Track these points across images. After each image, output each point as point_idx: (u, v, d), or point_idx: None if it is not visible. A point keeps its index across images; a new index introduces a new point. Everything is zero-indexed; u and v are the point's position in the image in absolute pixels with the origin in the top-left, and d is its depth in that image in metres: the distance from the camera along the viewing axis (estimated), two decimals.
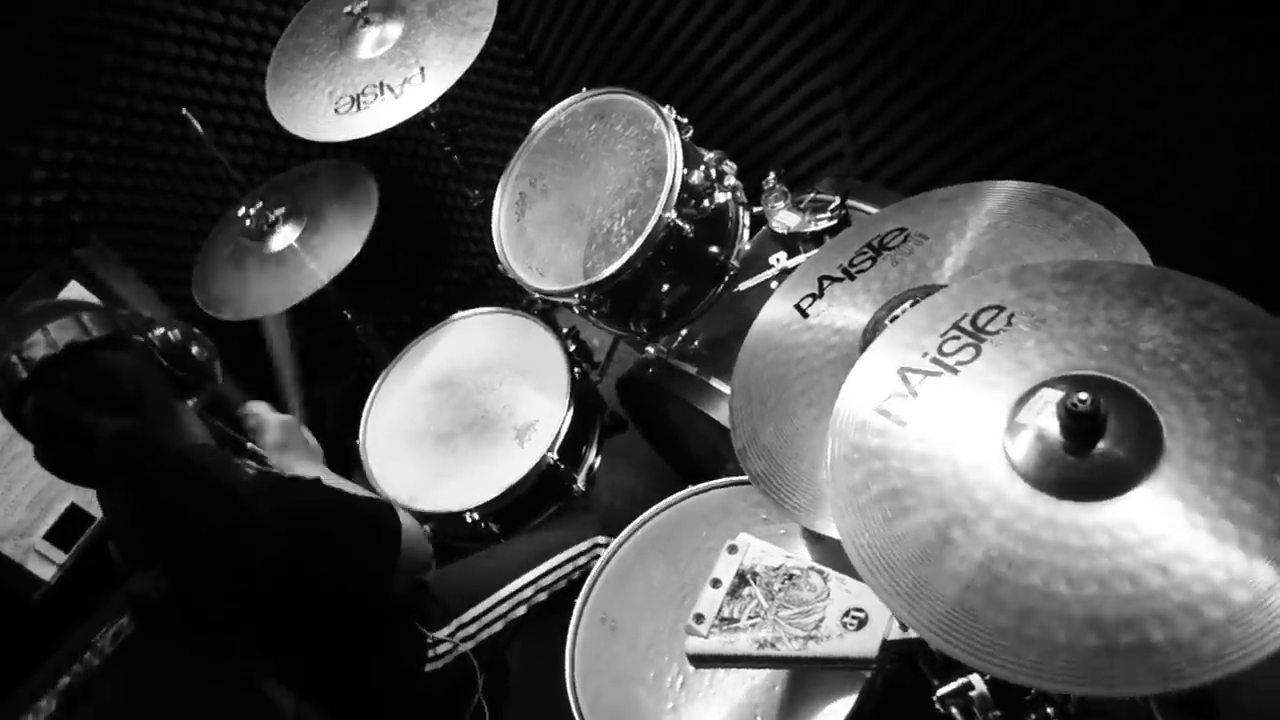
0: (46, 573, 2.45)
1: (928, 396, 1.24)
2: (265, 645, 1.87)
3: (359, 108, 2.22)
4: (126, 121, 2.62)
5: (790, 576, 1.62)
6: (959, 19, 2.17)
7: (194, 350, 1.65)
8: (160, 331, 1.61)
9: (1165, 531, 1.02)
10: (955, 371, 1.24)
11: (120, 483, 1.58)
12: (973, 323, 1.28)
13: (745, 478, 1.71)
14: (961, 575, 1.08)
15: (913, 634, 1.23)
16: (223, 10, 2.67)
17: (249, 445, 1.90)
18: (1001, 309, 1.28)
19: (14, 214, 2.50)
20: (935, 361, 1.26)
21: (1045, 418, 1.13)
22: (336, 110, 2.24)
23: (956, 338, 1.28)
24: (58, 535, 2.46)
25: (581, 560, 2.14)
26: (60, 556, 2.47)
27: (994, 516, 1.10)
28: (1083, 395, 1.07)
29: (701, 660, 1.55)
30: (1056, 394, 1.13)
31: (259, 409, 2.03)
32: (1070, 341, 1.21)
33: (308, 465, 1.96)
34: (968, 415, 1.20)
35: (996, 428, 1.17)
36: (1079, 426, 1.08)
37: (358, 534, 1.74)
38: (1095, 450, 1.09)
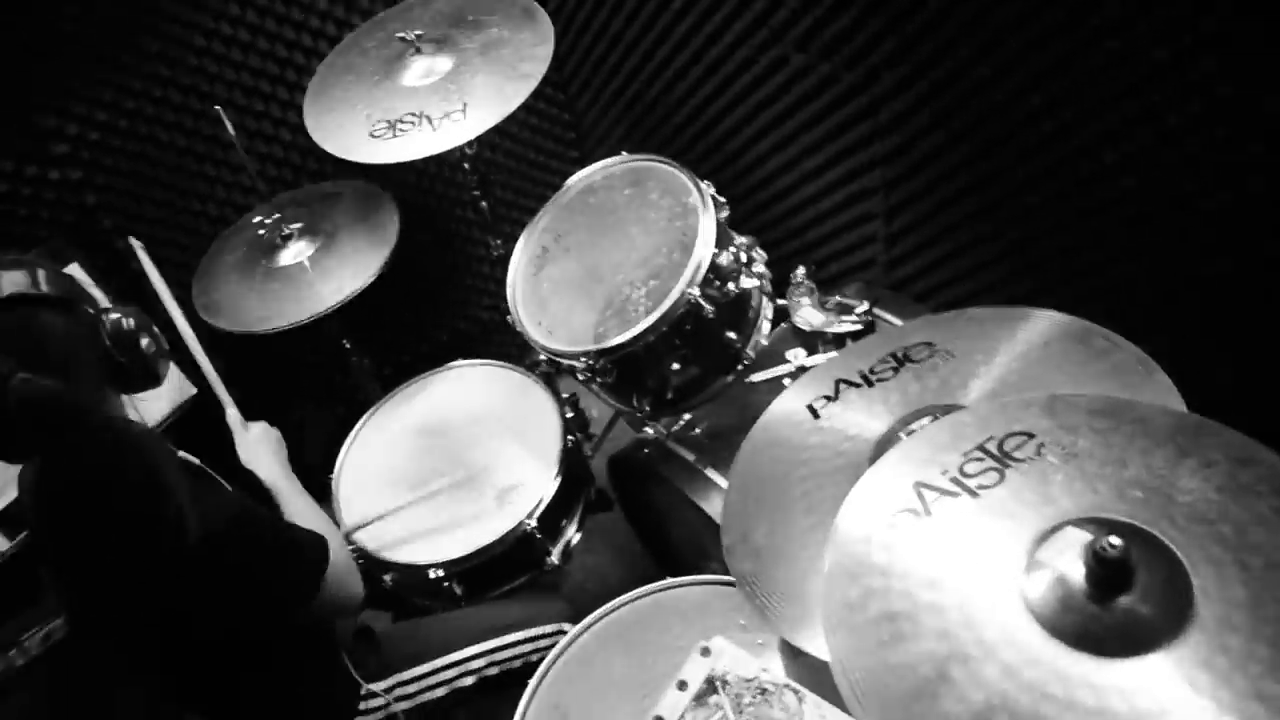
0: None
1: (942, 517, 1.15)
2: (169, 664, 1.75)
3: (395, 134, 2.17)
4: (158, 111, 2.57)
5: (763, 691, 1.50)
6: (1011, 141, 2.13)
7: (143, 342, 1.59)
8: (115, 316, 1.55)
9: (1187, 706, 0.92)
10: (975, 495, 1.15)
11: (24, 444, 1.48)
12: (999, 447, 1.20)
13: (729, 578, 1.63)
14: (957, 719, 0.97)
15: None
16: (277, 19, 2.65)
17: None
18: (1031, 436, 1.20)
19: (27, 184, 2.44)
20: (955, 481, 1.17)
21: (1068, 559, 1.04)
22: (372, 134, 2.19)
23: (980, 459, 1.19)
24: (3, 523, 2.35)
25: (542, 643, 2.03)
26: (3, 544, 2.35)
27: (1000, 658, 1.00)
28: (1114, 540, 0.97)
29: None
30: (1084, 536, 1.04)
31: (232, 418, 2.00)
32: (1102, 482, 1.12)
33: (276, 467, 1.93)
34: (984, 544, 1.10)
35: (1013, 563, 1.07)
36: (1106, 574, 0.99)
37: (273, 555, 1.65)
38: (1119, 603, 1.00)
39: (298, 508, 1.87)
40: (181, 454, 1.89)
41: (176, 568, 1.51)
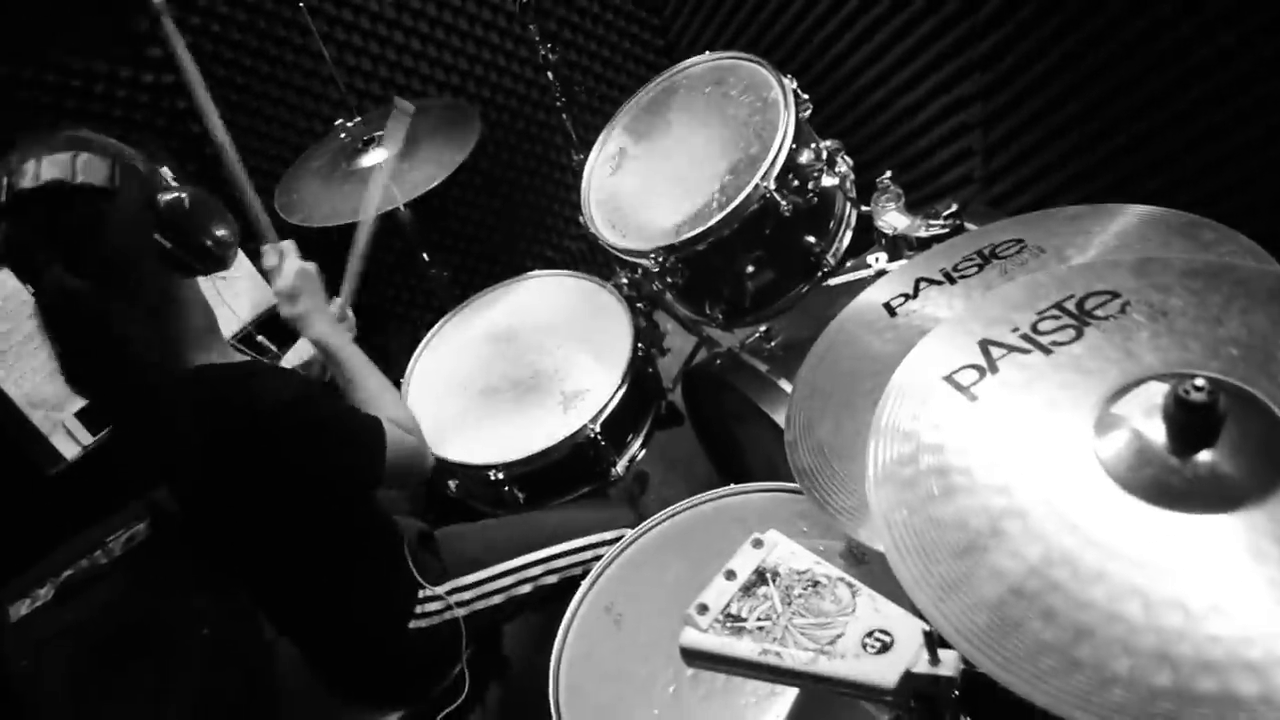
0: (69, 451, 2.38)
1: (1009, 373, 1.04)
2: (234, 554, 1.75)
3: None
4: (251, 18, 2.58)
5: (815, 583, 1.41)
6: (1114, 36, 1.97)
7: (206, 225, 1.47)
8: (168, 197, 1.43)
9: (1243, 573, 0.81)
10: (1048, 351, 1.04)
11: (57, 345, 1.43)
12: (1079, 305, 1.08)
13: (793, 485, 1.55)
14: (1008, 575, 0.87)
15: (943, 671, 1.02)
16: None
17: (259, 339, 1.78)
18: (1116, 295, 1.07)
19: (122, 86, 2.47)
20: (1025, 338, 1.06)
21: (1148, 415, 0.92)
22: None
23: (1056, 317, 1.07)
24: (89, 417, 2.39)
25: (604, 550, 1.96)
26: (87, 438, 2.40)
27: (1062, 512, 0.89)
28: (1199, 382, 0.85)
29: (695, 657, 1.34)
30: (1167, 390, 0.92)
31: (283, 246, 1.85)
32: (1194, 339, 0.99)
33: (319, 320, 1.81)
34: (1053, 399, 0.99)
35: (1085, 418, 0.96)
36: (1190, 421, 0.87)
37: (331, 443, 1.60)
38: (1203, 459, 0.88)
39: (356, 371, 1.80)
40: (260, 338, 1.87)
41: (231, 445, 1.49)
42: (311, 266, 1.84)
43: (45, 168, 1.34)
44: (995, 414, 1.01)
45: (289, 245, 1.85)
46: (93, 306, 1.37)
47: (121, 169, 1.41)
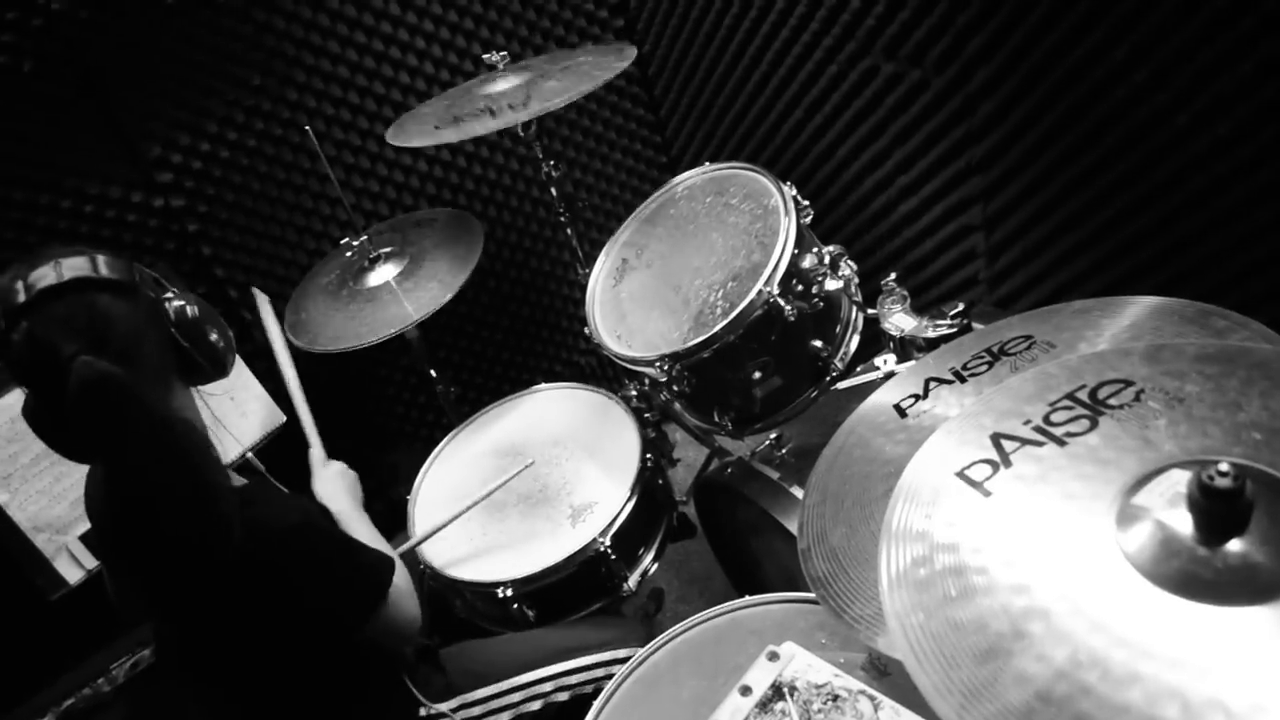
0: (73, 575, 2.34)
1: (1023, 466, 1.00)
2: (232, 683, 1.69)
3: (456, 124, 2.15)
4: (260, 144, 2.63)
5: (835, 697, 1.36)
6: (1112, 129, 1.98)
7: (207, 330, 1.53)
8: (179, 303, 1.50)
9: None
10: (1062, 443, 1.01)
11: (85, 435, 1.42)
12: (1091, 395, 1.05)
13: (810, 595, 1.47)
14: (1035, 679, 0.82)
15: None
16: (376, 57, 2.71)
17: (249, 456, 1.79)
18: (1129, 384, 1.04)
19: (133, 210, 2.52)
20: (1038, 430, 1.03)
21: (1172, 505, 0.88)
22: (436, 127, 2.18)
23: (1069, 408, 1.04)
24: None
25: (616, 668, 1.89)
26: (91, 562, 2.36)
27: (1087, 610, 0.84)
28: (1223, 467, 0.82)
29: None
30: (1189, 477, 0.88)
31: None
32: (1213, 425, 0.96)
33: (350, 522, 1.88)
34: (1070, 491, 0.95)
35: (1105, 511, 0.92)
36: (1216, 508, 0.83)
37: (333, 567, 1.59)
38: (1233, 549, 0.84)
39: (362, 536, 1.81)
40: (250, 457, 1.86)
41: (227, 575, 1.47)
42: (352, 473, 2.02)
43: (65, 268, 1.38)
44: (1011, 509, 0.97)
45: (318, 454, 2.06)
46: (128, 386, 1.36)
47: (134, 270, 1.47)
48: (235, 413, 2.35)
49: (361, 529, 1.86)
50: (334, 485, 1.96)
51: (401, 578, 1.69)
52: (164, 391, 1.51)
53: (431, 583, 2.11)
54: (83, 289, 1.39)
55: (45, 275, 1.36)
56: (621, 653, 1.92)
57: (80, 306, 1.38)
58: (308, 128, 2.27)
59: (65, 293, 1.37)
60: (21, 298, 1.35)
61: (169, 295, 1.51)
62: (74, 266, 1.39)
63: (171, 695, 2.36)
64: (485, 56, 2.32)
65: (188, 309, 1.51)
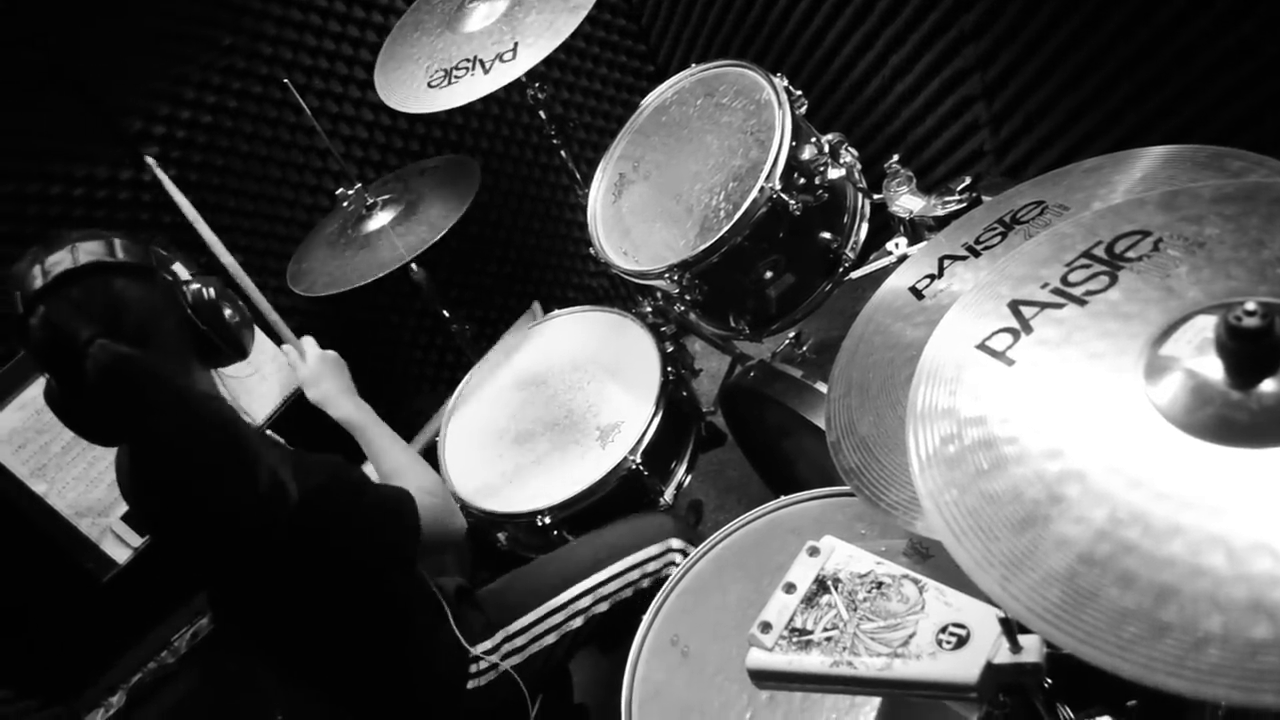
0: (120, 555, 2.37)
1: (1044, 331, 0.98)
2: (289, 643, 1.72)
3: (450, 81, 2.11)
4: (242, 104, 2.59)
5: (879, 585, 1.35)
6: None
7: (225, 311, 1.52)
8: (195, 285, 1.50)
9: None
10: (1082, 302, 0.98)
11: (108, 419, 1.44)
12: (1108, 250, 1.02)
13: (845, 489, 1.50)
14: (1075, 542, 0.81)
15: (1027, 658, 0.96)
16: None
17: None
18: (1146, 234, 1.01)
19: (124, 188, 2.49)
20: (1056, 292, 1.00)
21: (1201, 352, 0.86)
22: (430, 84, 2.14)
23: (1086, 266, 1.02)
24: (136, 519, 2.39)
25: (653, 566, 1.90)
26: (136, 540, 2.39)
27: (1122, 468, 0.83)
28: (1250, 306, 0.79)
29: (764, 678, 1.29)
30: (1216, 321, 0.86)
31: (303, 341, 1.93)
32: (1237, 266, 0.93)
33: (344, 401, 1.85)
34: (1095, 350, 0.93)
35: (1132, 365, 0.90)
36: (1246, 349, 0.81)
37: (369, 518, 1.60)
38: (1266, 389, 0.81)
39: (383, 444, 1.81)
40: (269, 433, 1.86)
41: (282, 535, 1.48)
42: (332, 354, 1.92)
43: (82, 253, 1.39)
44: (1036, 376, 0.95)
45: (308, 340, 1.93)
46: (148, 366, 1.38)
47: (151, 253, 1.47)
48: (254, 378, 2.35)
49: (378, 432, 1.82)
50: (325, 384, 1.87)
51: (428, 494, 1.69)
52: (184, 372, 1.52)
53: (471, 519, 2.12)
54: (99, 273, 1.40)
55: (62, 260, 1.37)
56: (654, 549, 1.93)
57: (96, 290, 1.39)
58: (286, 80, 2.22)
59: (81, 277, 1.38)
60: (39, 283, 1.36)
61: (186, 278, 1.51)
62: (90, 251, 1.40)
63: (238, 659, 2.42)
64: None
65: (204, 291, 1.51)
